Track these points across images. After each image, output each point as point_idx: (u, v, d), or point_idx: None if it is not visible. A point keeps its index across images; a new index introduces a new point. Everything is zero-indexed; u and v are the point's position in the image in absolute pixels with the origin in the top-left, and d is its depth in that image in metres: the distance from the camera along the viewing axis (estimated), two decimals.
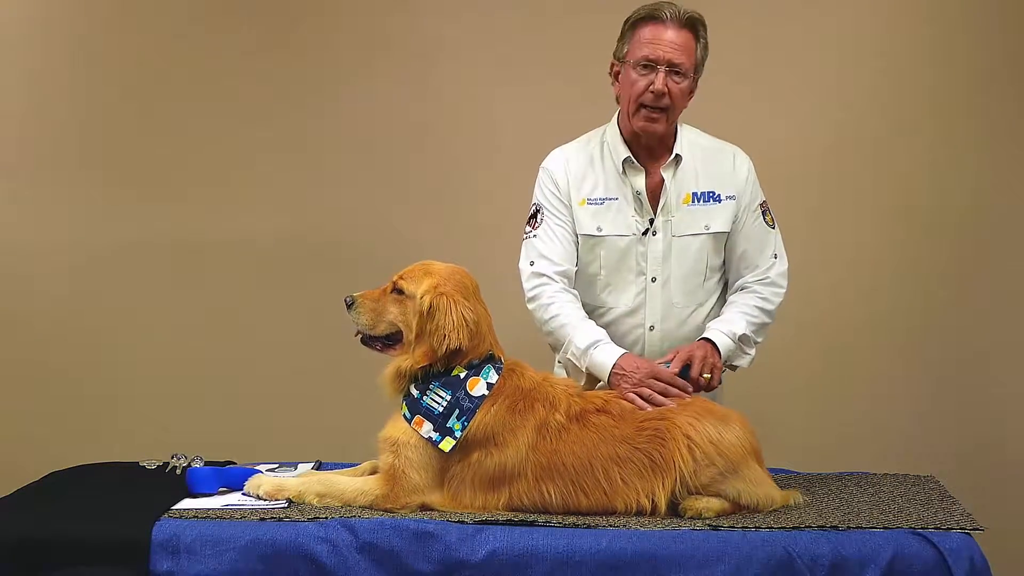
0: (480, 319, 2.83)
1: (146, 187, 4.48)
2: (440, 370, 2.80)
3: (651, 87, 3.06)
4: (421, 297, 2.80)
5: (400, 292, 2.85)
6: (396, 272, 2.91)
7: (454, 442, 2.73)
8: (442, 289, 2.80)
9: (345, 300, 2.89)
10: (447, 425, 2.74)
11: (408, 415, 2.78)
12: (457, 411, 2.74)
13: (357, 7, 4.44)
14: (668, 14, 3.07)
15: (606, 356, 3.01)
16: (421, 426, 2.75)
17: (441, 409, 2.75)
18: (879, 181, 4.38)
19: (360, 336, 2.92)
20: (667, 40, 3.06)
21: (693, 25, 3.10)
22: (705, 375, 3.02)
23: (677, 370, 2.98)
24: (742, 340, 3.13)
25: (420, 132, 4.44)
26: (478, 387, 2.77)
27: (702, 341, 3.11)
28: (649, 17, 3.09)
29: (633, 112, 3.11)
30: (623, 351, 3.02)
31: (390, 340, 2.89)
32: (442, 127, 4.44)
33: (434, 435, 2.73)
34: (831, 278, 4.38)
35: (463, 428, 2.73)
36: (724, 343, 3.10)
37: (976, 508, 2.86)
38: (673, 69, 3.06)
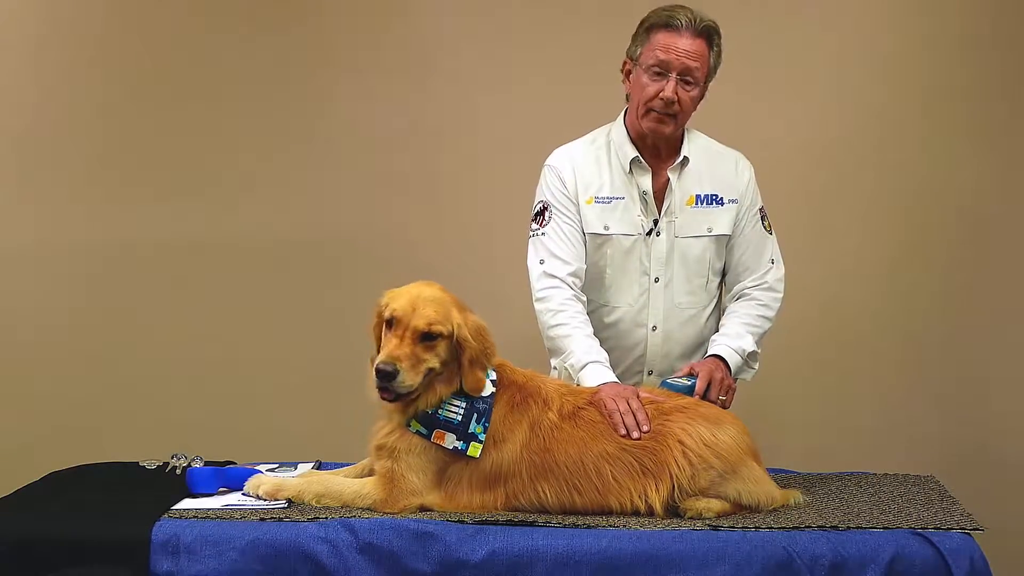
0: None
1: (146, 187, 4.47)
2: None
3: (661, 93, 3.08)
4: (458, 330, 2.72)
5: (431, 337, 2.69)
6: (388, 282, 2.82)
7: (480, 446, 2.73)
8: (465, 312, 2.76)
9: (384, 370, 2.64)
10: (469, 431, 2.73)
11: (425, 431, 2.74)
12: (475, 415, 2.74)
13: (357, 7, 4.44)
14: (683, 22, 3.07)
15: (593, 378, 2.99)
16: (443, 439, 2.73)
17: (460, 418, 2.74)
18: (878, 182, 4.38)
19: (388, 395, 2.69)
20: (681, 48, 3.07)
21: (708, 34, 3.11)
22: (721, 397, 3.05)
23: (703, 388, 2.99)
24: (750, 357, 3.19)
25: (420, 131, 4.43)
26: (486, 387, 2.78)
27: (715, 359, 3.12)
28: (664, 24, 3.09)
29: (643, 114, 3.13)
30: (611, 378, 2.99)
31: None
32: (442, 126, 4.44)
33: (459, 444, 2.73)
34: (831, 278, 4.38)
35: (484, 430, 2.74)
36: (733, 360, 3.14)
37: (976, 508, 2.86)
38: (684, 77, 3.08)
